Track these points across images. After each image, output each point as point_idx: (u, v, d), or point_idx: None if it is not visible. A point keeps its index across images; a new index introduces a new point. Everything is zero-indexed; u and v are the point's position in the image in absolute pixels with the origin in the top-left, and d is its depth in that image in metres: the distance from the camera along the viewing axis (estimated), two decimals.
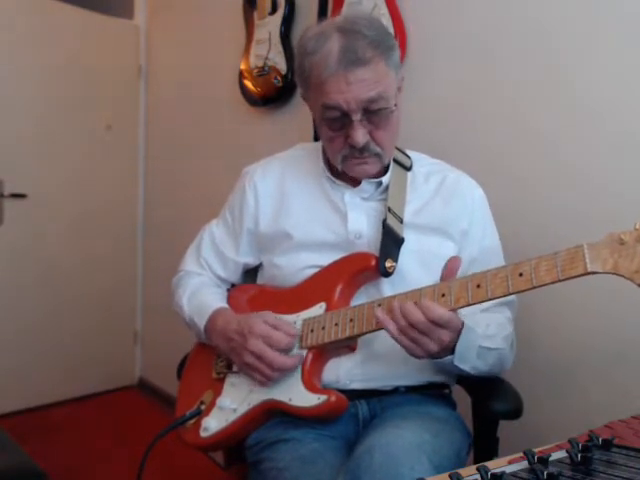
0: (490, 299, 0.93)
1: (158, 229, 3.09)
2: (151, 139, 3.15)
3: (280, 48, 2.11)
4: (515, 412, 1.07)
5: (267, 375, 1.08)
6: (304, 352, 1.10)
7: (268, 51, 2.15)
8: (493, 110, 1.52)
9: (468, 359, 1.03)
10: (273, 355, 1.07)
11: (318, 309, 1.12)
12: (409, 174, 1.21)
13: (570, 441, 0.64)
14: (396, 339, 0.97)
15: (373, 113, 1.06)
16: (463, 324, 1.00)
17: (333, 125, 1.09)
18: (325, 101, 1.06)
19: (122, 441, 2.48)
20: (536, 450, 0.63)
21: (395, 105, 1.08)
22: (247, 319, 1.12)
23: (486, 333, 1.07)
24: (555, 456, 0.62)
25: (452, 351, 1.00)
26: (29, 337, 2.79)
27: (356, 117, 1.05)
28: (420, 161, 1.25)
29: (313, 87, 1.09)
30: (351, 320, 1.05)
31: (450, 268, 1.00)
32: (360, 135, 1.06)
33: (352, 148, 1.09)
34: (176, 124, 2.92)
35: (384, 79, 1.06)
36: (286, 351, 1.09)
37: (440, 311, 0.94)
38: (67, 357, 2.92)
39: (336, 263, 1.14)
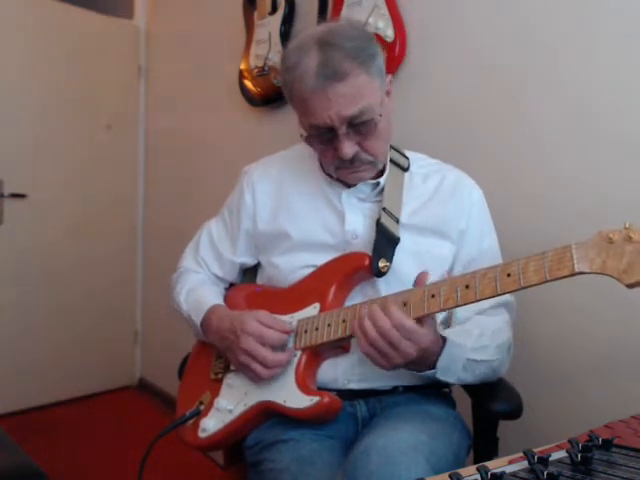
0: (479, 300, 0.93)
1: (158, 229, 3.09)
2: (151, 139, 3.15)
3: (280, 48, 2.11)
4: (515, 412, 1.07)
5: (262, 373, 1.08)
6: (298, 352, 1.10)
7: (268, 51, 2.15)
8: (492, 110, 1.52)
9: (452, 372, 1.04)
10: (266, 353, 1.07)
11: (312, 310, 1.12)
12: (406, 175, 1.21)
13: (570, 441, 0.64)
14: (361, 348, 0.98)
15: (358, 125, 1.05)
16: (445, 340, 1.01)
17: (321, 139, 1.09)
18: (310, 120, 1.06)
19: (122, 441, 2.48)
20: (536, 450, 0.63)
21: (380, 115, 1.07)
22: (240, 317, 1.12)
23: (477, 344, 1.07)
24: (555, 456, 0.62)
25: (433, 366, 1.01)
26: (29, 337, 2.79)
27: (342, 131, 1.05)
28: (419, 161, 1.24)
29: (297, 103, 1.09)
30: (344, 321, 1.05)
31: (419, 283, 1.00)
32: (347, 148, 1.06)
33: (342, 160, 1.09)
34: (176, 124, 2.92)
35: (366, 92, 1.04)
36: (280, 348, 1.09)
37: (403, 319, 0.94)
38: (67, 357, 2.92)
39: (330, 263, 1.14)
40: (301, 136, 1.12)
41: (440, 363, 1.00)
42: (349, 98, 1.03)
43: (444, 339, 1.02)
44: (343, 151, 1.06)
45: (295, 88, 1.07)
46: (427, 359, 1.00)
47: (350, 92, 1.03)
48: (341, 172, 1.14)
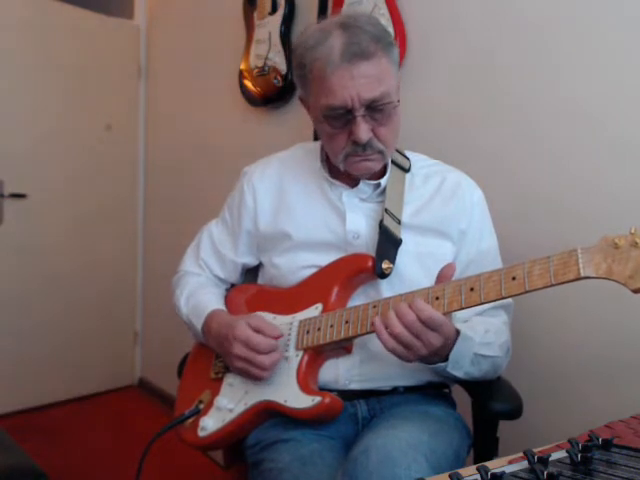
0: (483, 303, 0.93)
1: (158, 229, 3.09)
2: (151, 139, 3.15)
3: (280, 48, 2.11)
4: (515, 412, 1.07)
5: (260, 376, 1.08)
6: (300, 353, 1.10)
7: (268, 51, 2.15)
8: (492, 111, 1.52)
9: (461, 366, 1.03)
10: (260, 357, 1.06)
11: (314, 310, 1.12)
12: (407, 175, 1.20)
13: (570, 441, 0.64)
14: (386, 345, 0.96)
15: (377, 109, 1.05)
16: (459, 332, 1.00)
17: (336, 122, 1.07)
18: (329, 99, 1.04)
19: (122, 441, 2.48)
20: (536, 450, 0.63)
21: (398, 101, 1.08)
22: (233, 323, 1.12)
23: (483, 340, 1.07)
24: (555, 456, 0.62)
25: (445, 358, 1.01)
26: (29, 337, 2.79)
27: (359, 113, 1.04)
28: (419, 162, 1.24)
29: (315, 83, 1.07)
30: (346, 322, 1.05)
31: (444, 275, 0.99)
32: (364, 131, 1.05)
33: (355, 145, 1.07)
34: (176, 124, 2.92)
35: (387, 76, 1.05)
36: (271, 352, 1.08)
37: (432, 312, 0.93)
38: (67, 357, 2.92)
39: (333, 264, 1.14)
40: (314, 120, 1.10)
41: (452, 355, 1.00)
42: (372, 79, 1.02)
43: (457, 332, 1.01)
44: (359, 134, 1.05)
45: (315, 67, 1.05)
46: (443, 349, 0.99)
47: (374, 73, 1.03)
48: (350, 160, 1.11)
